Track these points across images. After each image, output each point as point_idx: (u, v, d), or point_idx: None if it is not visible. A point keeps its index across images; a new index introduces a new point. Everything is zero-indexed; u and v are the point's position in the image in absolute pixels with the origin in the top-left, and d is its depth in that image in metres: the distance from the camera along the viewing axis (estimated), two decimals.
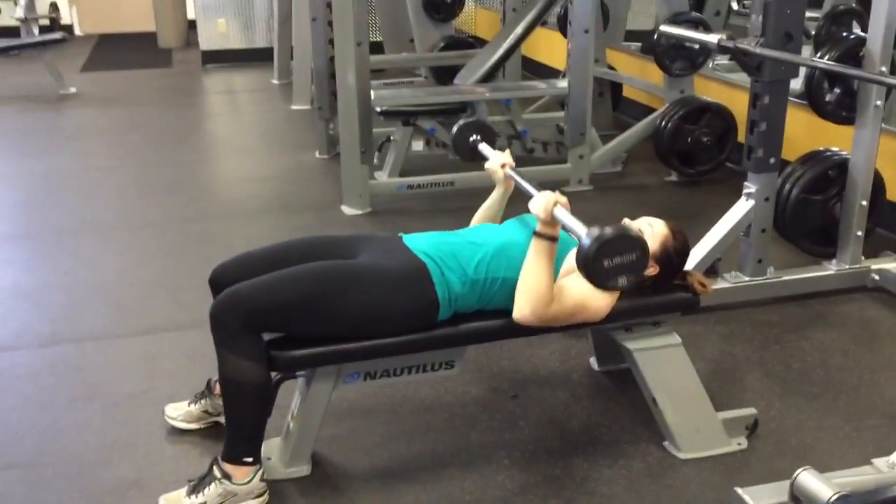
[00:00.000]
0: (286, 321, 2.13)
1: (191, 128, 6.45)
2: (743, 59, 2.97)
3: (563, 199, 2.12)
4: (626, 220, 2.40)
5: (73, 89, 7.55)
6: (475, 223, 2.58)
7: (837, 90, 3.24)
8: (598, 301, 2.22)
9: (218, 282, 2.28)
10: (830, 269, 3.36)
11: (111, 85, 7.94)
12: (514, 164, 2.52)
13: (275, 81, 7.82)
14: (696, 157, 4.65)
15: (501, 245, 2.26)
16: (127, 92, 7.65)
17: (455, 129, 2.73)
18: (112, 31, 10.83)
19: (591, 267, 1.88)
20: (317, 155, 5.40)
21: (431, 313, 2.20)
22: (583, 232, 1.93)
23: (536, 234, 2.13)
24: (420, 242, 2.30)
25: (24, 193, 4.83)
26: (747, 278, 3.25)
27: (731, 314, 3.20)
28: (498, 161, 2.54)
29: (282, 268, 2.19)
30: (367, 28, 4.23)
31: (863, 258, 3.37)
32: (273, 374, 2.27)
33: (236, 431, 2.16)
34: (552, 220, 2.09)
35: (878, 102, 3.10)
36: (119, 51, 9.82)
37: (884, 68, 3.03)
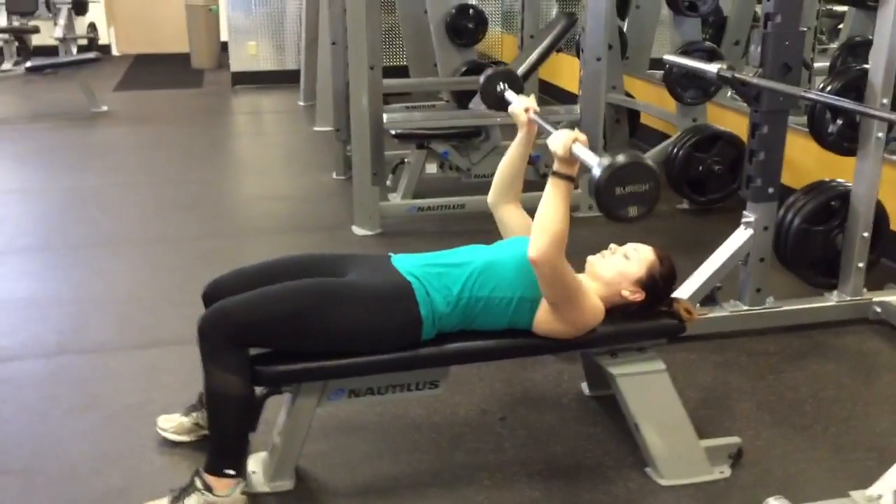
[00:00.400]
0: (271, 336, 2.18)
1: (214, 147, 6.57)
2: (741, 90, 2.99)
3: (583, 137, 2.12)
4: (612, 245, 2.43)
5: (104, 108, 7.73)
6: (498, 174, 2.55)
7: (840, 121, 3.24)
8: (590, 307, 2.26)
9: (210, 296, 2.34)
10: (831, 300, 3.34)
11: (142, 104, 8.13)
12: (538, 109, 2.53)
13: (301, 103, 7.95)
14: (708, 185, 4.66)
15: (486, 264, 2.29)
16: (156, 111, 7.82)
17: (483, 77, 2.76)
18: (148, 52, 11.08)
19: (604, 194, 1.85)
20: (334, 176, 5.48)
21: (415, 332, 2.23)
22: (595, 162, 1.92)
23: (554, 173, 2.13)
24: (407, 263, 2.34)
25: (48, 208, 4.97)
26: (745, 307, 3.25)
27: (727, 343, 3.20)
28: (522, 105, 2.54)
29: (272, 284, 2.24)
30: (381, 52, 4.30)
31: (865, 290, 3.35)
32: (260, 388, 2.32)
33: (219, 444, 2.21)
34: (570, 158, 2.10)
35: (880, 134, 3.10)
36: (153, 71, 10.04)
37: (885, 101, 3.03)
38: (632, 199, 1.88)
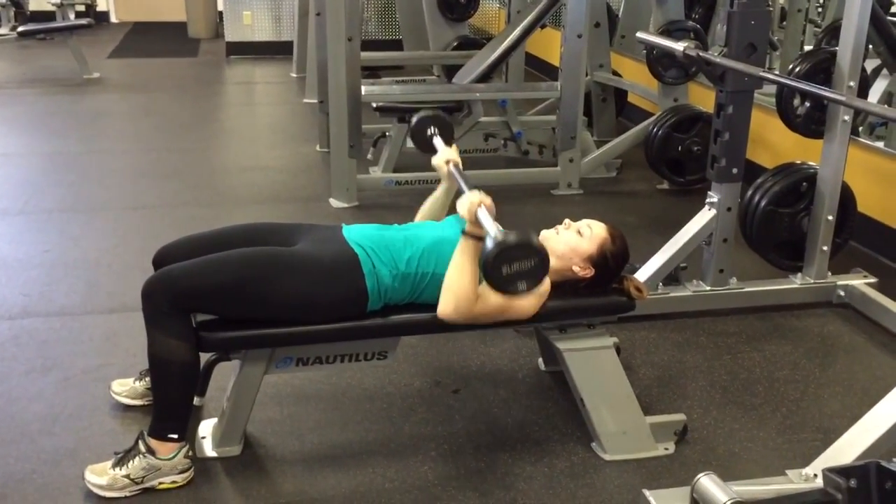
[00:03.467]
0: (215, 303, 2.20)
1: (202, 117, 6.57)
2: (706, 69, 2.98)
3: (488, 201, 2.14)
4: (567, 220, 2.43)
5: (96, 74, 7.73)
6: (418, 217, 2.63)
7: (808, 104, 3.23)
8: (524, 300, 2.25)
9: (160, 262, 2.36)
10: (795, 282, 3.34)
11: (135, 72, 8.12)
12: (458, 162, 2.55)
13: (293, 75, 7.93)
14: (687, 165, 4.64)
15: (433, 241, 2.30)
16: (148, 79, 7.81)
17: (415, 118, 2.77)
18: (146, 20, 11.05)
19: (491, 271, 1.93)
20: (317, 148, 5.48)
21: (360, 303, 2.25)
22: (491, 234, 1.97)
23: (464, 233, 2.16)
24: (357, 234, 2.35)
25: (28, 172, 4.97)
26: (708, 288, 3.26)
27: (688, 322, 3.21)
28: (444, 157, 2.58)
29: (221, 251, 2.25)
30: (360, 24, 4.29)
31: (830, 273, 3.34)
32: (211, 355, 2.34)
33: (162, 408, 2.23)
34: (475, 220, 2.12)
35: (846, 117, 3.08)
36: (149, 39, 10.02)
37: (852, 84, 3.01)
38: (519, 275, 1.95)
